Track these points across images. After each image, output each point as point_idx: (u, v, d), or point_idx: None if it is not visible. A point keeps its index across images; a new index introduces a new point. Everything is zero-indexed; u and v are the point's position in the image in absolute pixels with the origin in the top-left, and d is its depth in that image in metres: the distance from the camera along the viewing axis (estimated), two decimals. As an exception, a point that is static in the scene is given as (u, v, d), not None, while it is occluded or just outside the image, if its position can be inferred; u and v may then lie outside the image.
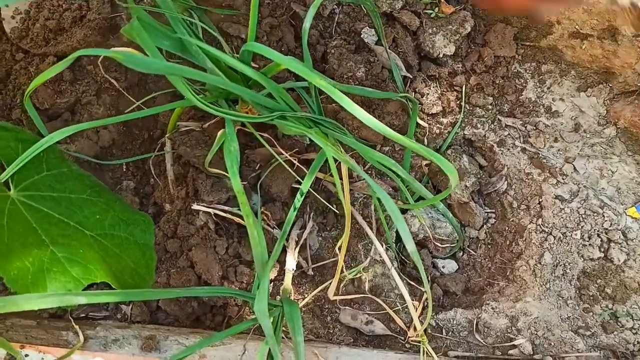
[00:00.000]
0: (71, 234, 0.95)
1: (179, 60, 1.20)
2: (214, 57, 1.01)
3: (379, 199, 1.15)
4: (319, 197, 1.23)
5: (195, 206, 1.21)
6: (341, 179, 1.19)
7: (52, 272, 0.92)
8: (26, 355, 1.06)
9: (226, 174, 1.02)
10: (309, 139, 1.14)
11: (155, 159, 1.33)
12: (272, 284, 1.21)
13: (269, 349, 0.93)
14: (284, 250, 1.22)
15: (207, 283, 1.19)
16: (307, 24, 1.04)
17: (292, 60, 0.94)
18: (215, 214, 1.23)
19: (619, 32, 1.22)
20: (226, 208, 1.22)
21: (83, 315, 1.18)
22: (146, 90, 1.39)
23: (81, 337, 1.08)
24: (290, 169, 1.20)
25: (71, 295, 0.82)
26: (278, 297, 1.18)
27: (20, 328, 1.11)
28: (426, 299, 1.20)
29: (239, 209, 1.06)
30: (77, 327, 1.10)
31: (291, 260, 1.18)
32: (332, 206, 1.26)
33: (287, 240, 1.23)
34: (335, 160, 1.22)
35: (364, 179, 1.24)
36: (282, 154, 1.22)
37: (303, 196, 1.12)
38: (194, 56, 1.01)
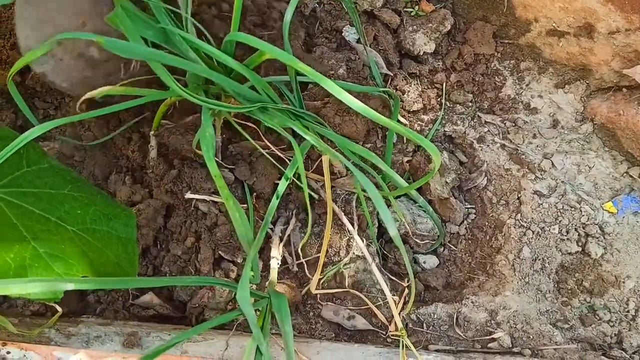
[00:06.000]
0: (52, 230, 0.95)
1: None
2: (196, 47, 1.01)
3: (363, 190, 1.16)
4: (301, 192, 1.24)
5: (188, 195, 1.21)
6: (323, 175, 1.20)
7: (33, 267, 0.92)
8: (8, 353, 1.06)
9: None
10: (293, 134, 1.15)
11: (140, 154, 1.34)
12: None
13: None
14: (267, 246, 1.23)
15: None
16: (287, 16, 1.05)
17: (274, 48, 0.95)
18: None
19: (595, 30, 1.24)
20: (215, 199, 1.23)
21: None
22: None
23: None
24: (274, 161, 1.22)
25: (58, 281, 0.84)
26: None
27: (2, 326, 1.10)
28: (407, 293, 1.21)
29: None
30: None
31: (276, 255, 1.19)
32: (315, 202, 1.27)
33: (270, 236, 1.24)
34: (319, 156, 1.24)
35: (345, 176, 1.25)
36: (267, 149, 1.23)
37: (287, 183, 1.13)
38: (177, 47, 1.01)
